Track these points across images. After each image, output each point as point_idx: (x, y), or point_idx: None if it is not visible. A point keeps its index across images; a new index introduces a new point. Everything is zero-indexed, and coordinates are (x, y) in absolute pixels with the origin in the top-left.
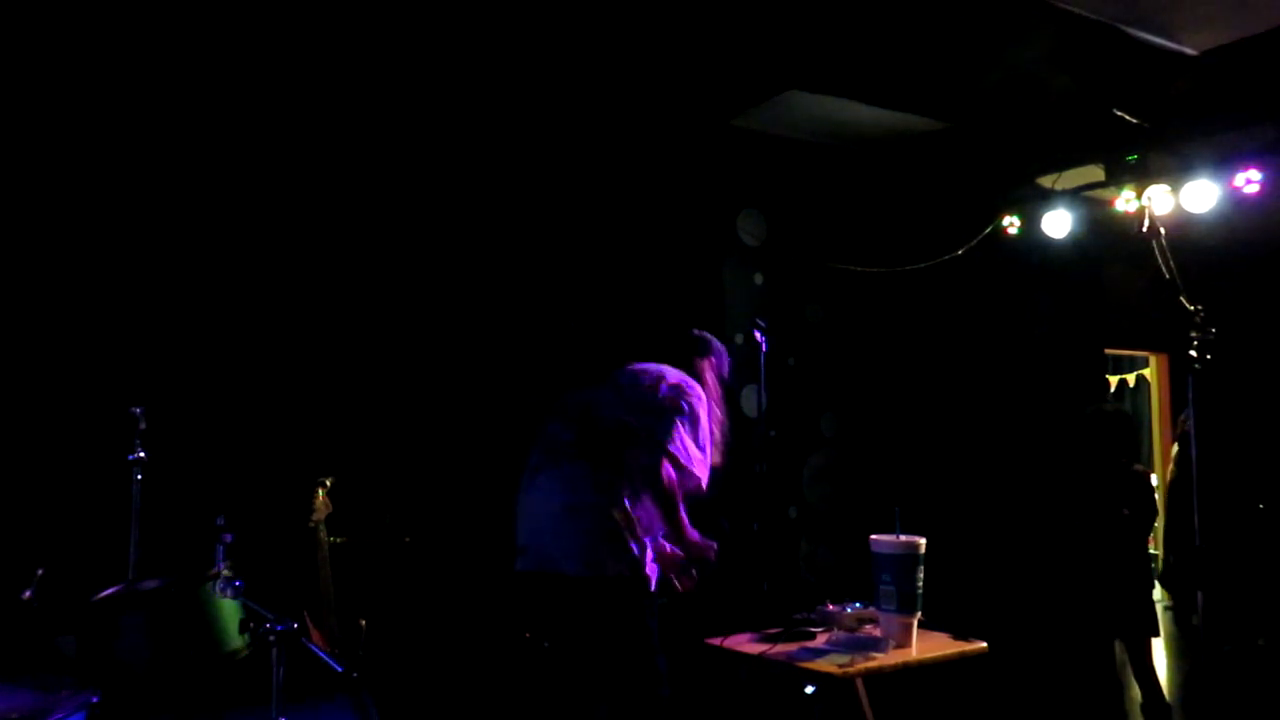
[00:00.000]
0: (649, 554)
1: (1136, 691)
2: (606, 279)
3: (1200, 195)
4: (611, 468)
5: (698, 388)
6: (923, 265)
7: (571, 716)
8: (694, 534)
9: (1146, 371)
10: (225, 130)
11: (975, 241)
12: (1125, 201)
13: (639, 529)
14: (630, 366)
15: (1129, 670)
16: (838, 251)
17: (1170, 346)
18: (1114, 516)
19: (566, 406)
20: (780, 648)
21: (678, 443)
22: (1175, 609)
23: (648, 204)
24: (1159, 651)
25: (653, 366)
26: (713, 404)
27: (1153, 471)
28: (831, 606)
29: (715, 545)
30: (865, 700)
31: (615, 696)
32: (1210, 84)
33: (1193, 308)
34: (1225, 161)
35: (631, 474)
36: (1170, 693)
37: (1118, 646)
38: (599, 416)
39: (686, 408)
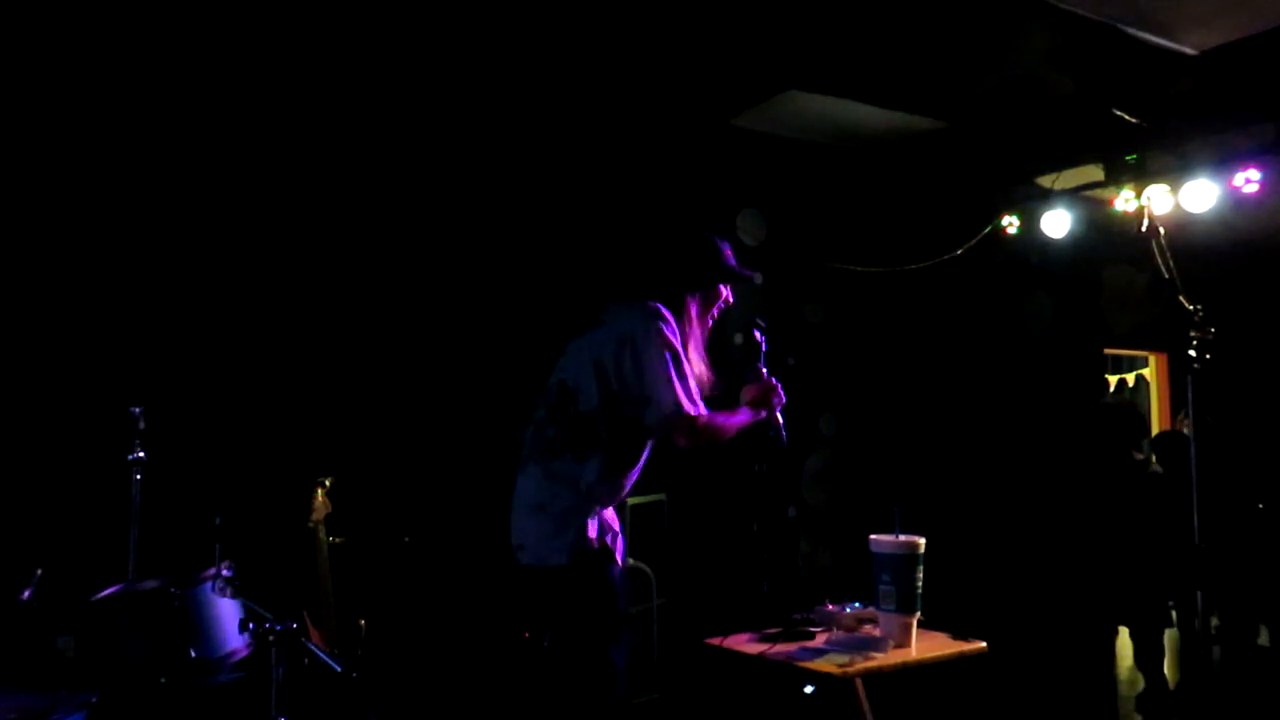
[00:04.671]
0: (607, 533)
1: (1135, 685)
2: (606, 279)
3: (1199, 195)
4: (589, 455)
5: (660, 322)
6: (922, 265)
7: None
8: (735, 419)
9: (1146, 371)
10: (225, 130)
11: (975, 241)
12: (1124, 201)
13: (596, 507)
14: (606, 315)
15: (1130, 663)
16: (837, 251)
17: (1169, 346)
18: (1119, 508)
19: (550, 388)
20: (780, 648)
21: (677, 395)
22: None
23: (648, 203)
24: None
25: (625, 318)
26: (689, 343)
27: (1154, 465)
28: (831, 606)
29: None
30: (865, 700)
31: (562, 694)
32: (1210, 84)
33: (1192, 307)
34: (1224, 161)
35: (614, 448)
36: (1171, 686)
37: (1119, 638)
38: (577, 403)
39: (669, 356)
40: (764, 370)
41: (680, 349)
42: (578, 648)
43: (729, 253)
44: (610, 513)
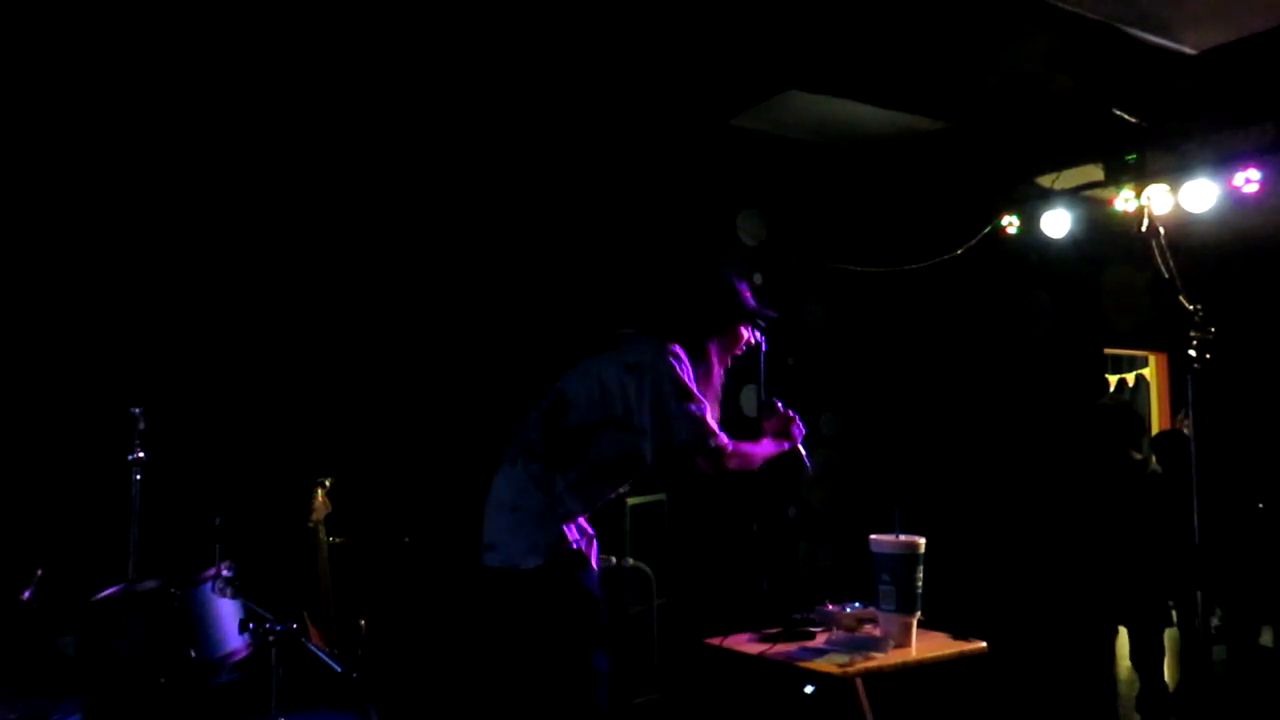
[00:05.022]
0: (578, 539)
1: (1135, 685)
2: (606, 279)
3: (1199, 195)
4: (567, 467)
5: (673, 359)
6: (922, 265)
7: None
8: (761, 450)
9: (1146, 371)
10: (225, 130)
11: (974, 241)
12: (1124, 201)
13: (569, 514)
14: (622, 339)
15: (1129, 663)
16: (837, 251)
17: (1169, 346)
18: (1119, 508)
19: (548, 393)
20: (780, 648)
21: (704, 427)
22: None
23: (647, 204)
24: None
25: (639, 348)
26: (707, 385)
27: (1154, 464)
28: (831, 606)
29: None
30: (865, 700)
31: (542, 697)
32: (1209, 83)
33: (1192, 307)
34: (1224, 161)
35: (596, 467)
36: (1170, 686)
37: (1118, 639)
38: (568, 414)
39: (686, 389)
40: (779, 403)
41: (693, 383)
42: (556, 652)
43: (747, 293)
44: (583, 519)
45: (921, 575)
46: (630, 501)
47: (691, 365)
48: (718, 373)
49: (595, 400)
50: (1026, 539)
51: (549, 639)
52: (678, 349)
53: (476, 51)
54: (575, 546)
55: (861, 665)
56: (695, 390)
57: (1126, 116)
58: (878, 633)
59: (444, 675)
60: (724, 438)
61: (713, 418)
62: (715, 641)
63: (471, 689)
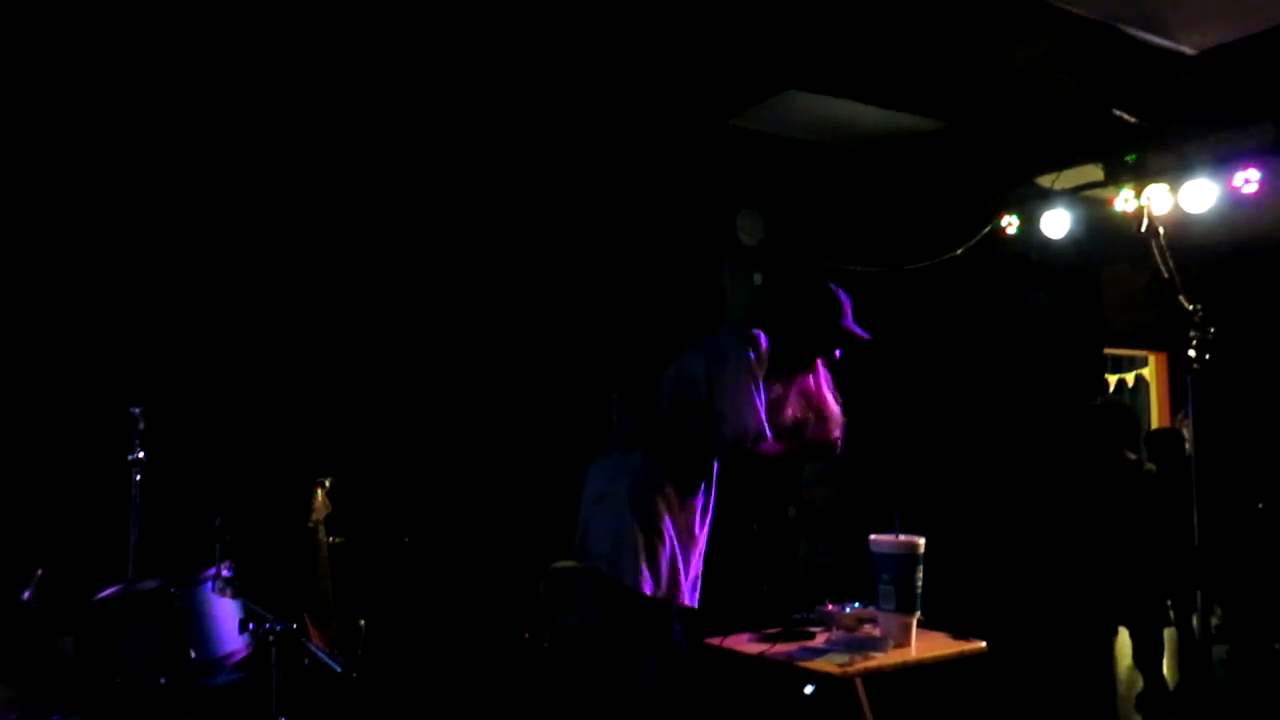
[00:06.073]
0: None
1: (1134, 685)
2: (606, 279)
3: (1199, 195)
4: (661, 453)
5: (753, 352)
6: (922, 265)
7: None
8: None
9: (1146, 371)
10: (225, 130)
11: (974, 241)
12: (1124, 201)
13: (669, 532)
14: (719, 331)
15: (1129, 663)
16: (837, 251)
17: (1169, 346)
18: (1116, 507)
19: (651, 383)
20: (780, 648)
21: (759, 421)
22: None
23: (647, 204)
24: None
25: (726, 336)
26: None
27: (1147, 463)
28: (831, 606)
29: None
30: (864, 700)
31: (592, 692)
32: (1209, 83)
33: (1191, 307)
34: (1224, 161)
35: (688, 464)
36: (1170, 686)
37: (1118, 639)
38: (660, 403)
39: (753, 383)
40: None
41: (761, 381)
42: (612, 650)
43: (848, 307)
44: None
45: (921, 575)
46: None
47: (788, 366)
48: (824, 375)
49: (682, 387)
50: (1026, 539)
51: (608, 637)
52: (762, 339)
53: (477, 53)
54: (653, 542)
55: (861, 665)
56: (759, 382)
57: (1126, 116)
58: (878, 633)
59: (444, 675)
60: (767, 439)
61: (761, 420)
62: (715, 641)
63: (473, 688)
